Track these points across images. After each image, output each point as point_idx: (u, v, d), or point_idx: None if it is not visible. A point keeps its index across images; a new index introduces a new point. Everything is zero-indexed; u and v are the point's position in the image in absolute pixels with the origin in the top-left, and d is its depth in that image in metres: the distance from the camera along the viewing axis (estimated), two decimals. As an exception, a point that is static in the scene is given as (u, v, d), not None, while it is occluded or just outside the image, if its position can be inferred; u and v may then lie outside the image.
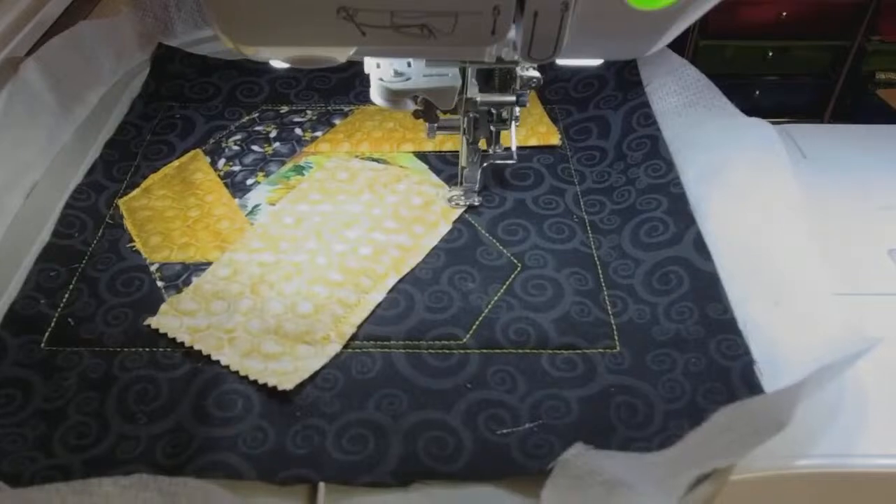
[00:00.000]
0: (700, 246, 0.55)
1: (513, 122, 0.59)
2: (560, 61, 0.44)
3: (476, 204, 0.62)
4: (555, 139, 0.69)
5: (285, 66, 0.45)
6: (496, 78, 0.56)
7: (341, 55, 0.42)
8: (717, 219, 0.57)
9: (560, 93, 0.75)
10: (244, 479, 0.42)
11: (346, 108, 0.74)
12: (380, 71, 0.53)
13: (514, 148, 0.60)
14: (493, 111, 0.58)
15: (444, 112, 0.56)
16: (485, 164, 0.62)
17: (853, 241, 0.56)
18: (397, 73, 0.52)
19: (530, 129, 0.69)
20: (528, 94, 0.57)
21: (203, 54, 0.79)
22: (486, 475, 0.43)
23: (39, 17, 0.71)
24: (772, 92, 0.89)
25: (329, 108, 0.74)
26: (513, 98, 0.56)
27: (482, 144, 0.60)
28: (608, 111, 0.71)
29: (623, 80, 0.72)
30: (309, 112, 0.73)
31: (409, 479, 0.43)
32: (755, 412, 0.37)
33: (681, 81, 0.68)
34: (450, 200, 0.62)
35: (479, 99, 0.56)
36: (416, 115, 0.56)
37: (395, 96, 0.52)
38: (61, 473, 0.43)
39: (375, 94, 0.53)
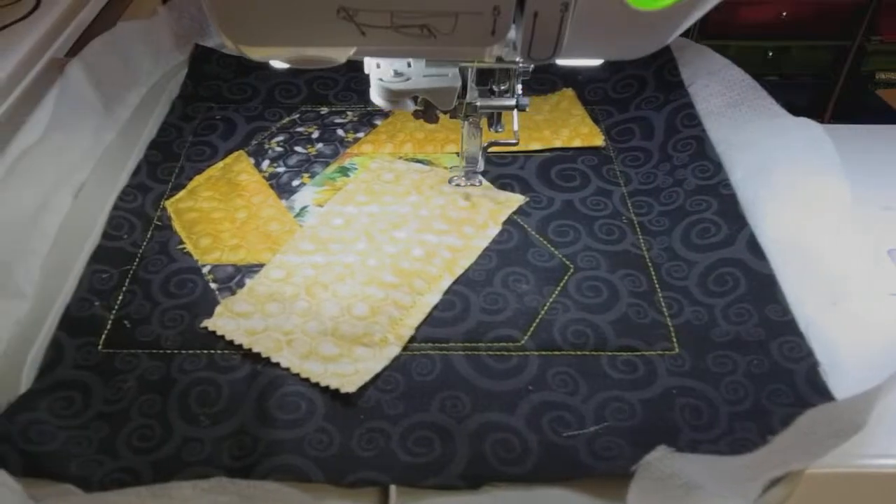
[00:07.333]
0: (754, 247, 0.55)
1: (514, 111, 0.57)
2: (560, 61, 0.44)
3: (478, 185, 0.62)
4: (598, 140, 0.69)
5: (285, 66, 0.45)
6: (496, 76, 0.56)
7: (341, 55, 0.42)
8: (769, 219, 0.57)
9: (599, 93, 0.75)
10: (313, 481, 0.42)
11: (385, 109, 0.74)
12: (380, 71, 0.52)
13: (515, 129, 0.58)
14: (495, 115, 0.58)
15: (445, 112, 0.56)
16: (485, 146, 0.61)
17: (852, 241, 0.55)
18: (397, 74, 0.52)
19: (573, 131, 0.69)
20: (528, 100, 0.56)
21: (238, 55, 0.78)
22: (555, 477, 0.43)
23: (78, 19, 0.71)
24: (772, 92, 0.88)
25: (369, 108, 0.74)
26: (513, 102, 0.56)
27: (483, 124, 0.59)
28: (650, 112, 0.71)
29: (664, 80, 0.72)
30: (349, 113, 0.73)
31: (478, 481, 0.43)
32: (836, 415, 0.37)
33: (724, 82, 0.68)
34: (450, 181, 0.62)
35: (479, 104, 0.56)
36: (416, 115, 0.56)
37: (395, 96, 0.52)
38: (130, 476, 0.42)
39: (375, 94, 0.53)
